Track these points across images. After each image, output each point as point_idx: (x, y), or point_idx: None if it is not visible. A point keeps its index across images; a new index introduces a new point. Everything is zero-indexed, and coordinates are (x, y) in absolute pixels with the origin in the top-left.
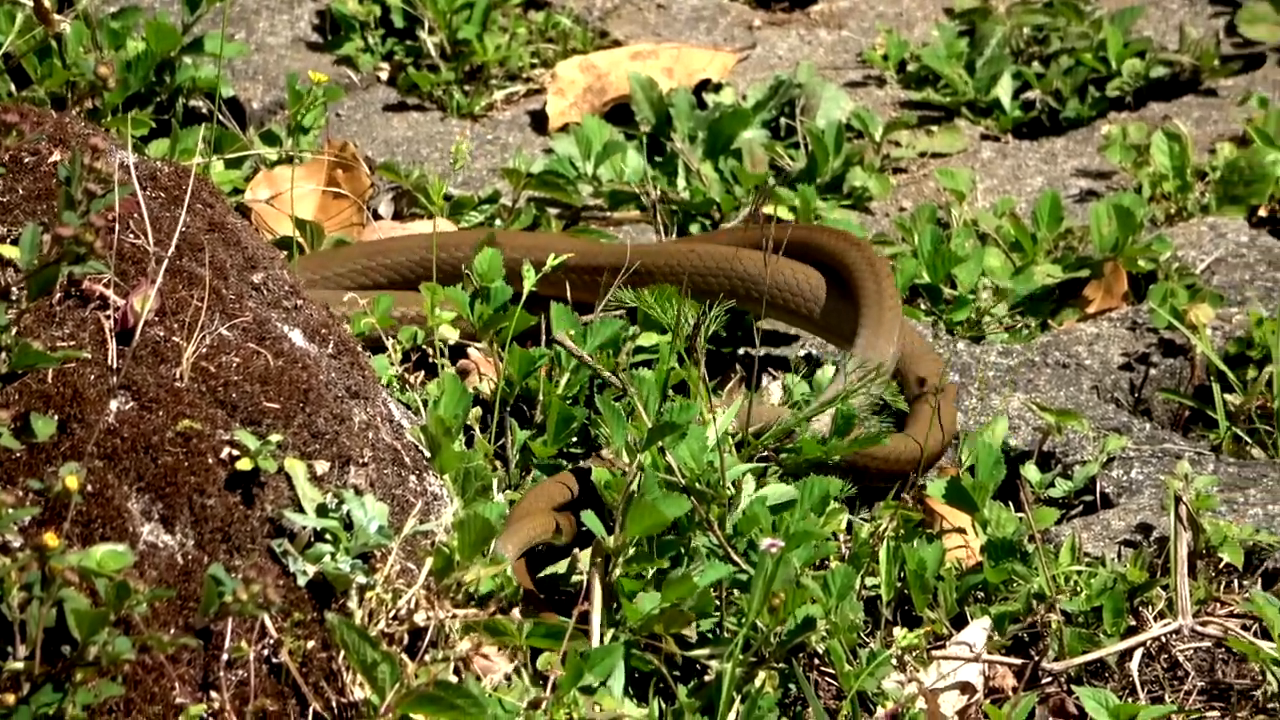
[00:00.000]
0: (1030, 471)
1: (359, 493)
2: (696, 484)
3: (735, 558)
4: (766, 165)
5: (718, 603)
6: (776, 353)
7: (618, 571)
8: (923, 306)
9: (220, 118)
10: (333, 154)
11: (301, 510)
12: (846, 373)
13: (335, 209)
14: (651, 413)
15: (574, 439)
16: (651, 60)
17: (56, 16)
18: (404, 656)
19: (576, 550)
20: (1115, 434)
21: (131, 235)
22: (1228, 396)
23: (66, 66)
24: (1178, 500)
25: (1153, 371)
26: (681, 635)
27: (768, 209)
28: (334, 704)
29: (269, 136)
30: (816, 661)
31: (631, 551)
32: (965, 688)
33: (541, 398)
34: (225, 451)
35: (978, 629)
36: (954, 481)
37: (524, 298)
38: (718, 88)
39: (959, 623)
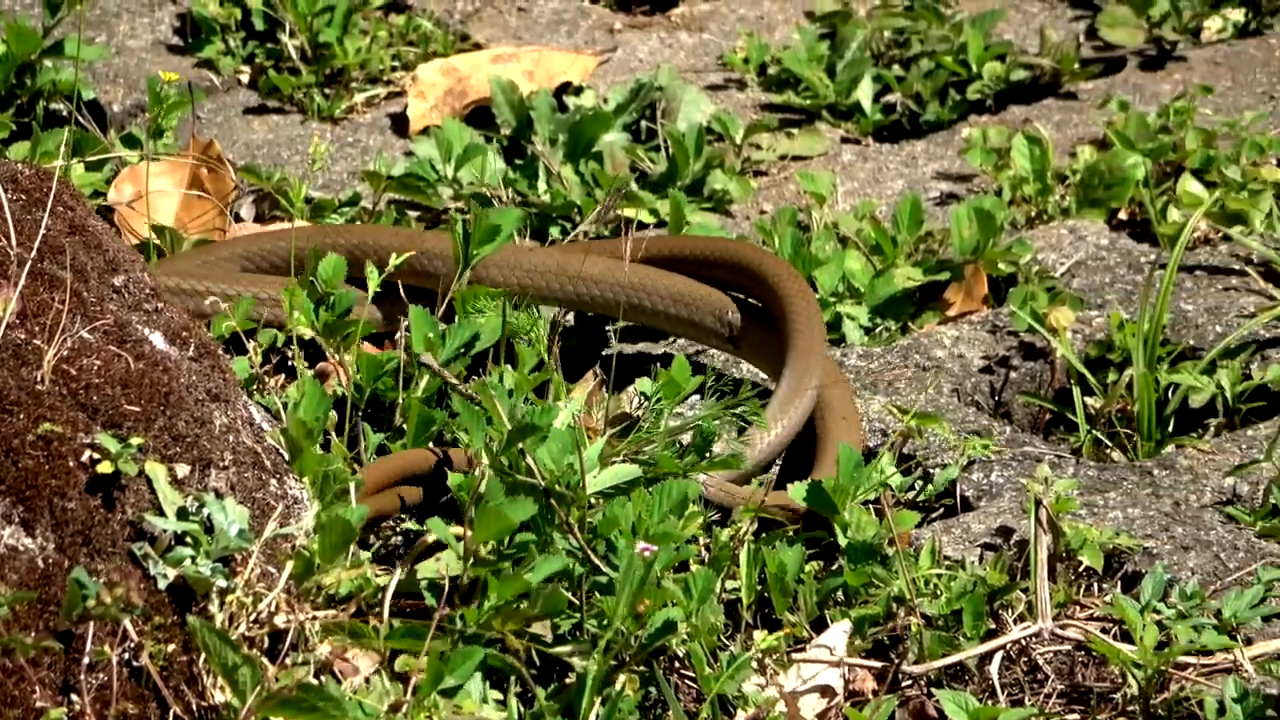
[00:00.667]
0: (891, 475)
1: (220, 496)
2: (556, 486)
3: (595, 560)
4: (627, 168)
5: (575, 602)
6: (638, 349)
7: (469, 574)
8: None
9: (81, 120)
10: (197, 154)
11: (162, 513)
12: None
13: (198, 210)
14: (509, 415)
15: (433, 441)
16: (512, 63)
17: None
18: (265, 660)
19: (440, 556)
20: (976, 437)
21: None
22: (1088, 400)
23: None
24: (1038, 503)
25: (1013, 375)
26: (538, 635)
27: (628, 211)
28: (195, 707)
29: (130, 139)
30: (677, 664)
31: (486, 553)
32: (825, 691)
33: (400, 400)
34: (86, 454)
35: (838, 632)
36: (815, 484)
37: (370, 296)
38: (578, 91)
39: (819, 626)
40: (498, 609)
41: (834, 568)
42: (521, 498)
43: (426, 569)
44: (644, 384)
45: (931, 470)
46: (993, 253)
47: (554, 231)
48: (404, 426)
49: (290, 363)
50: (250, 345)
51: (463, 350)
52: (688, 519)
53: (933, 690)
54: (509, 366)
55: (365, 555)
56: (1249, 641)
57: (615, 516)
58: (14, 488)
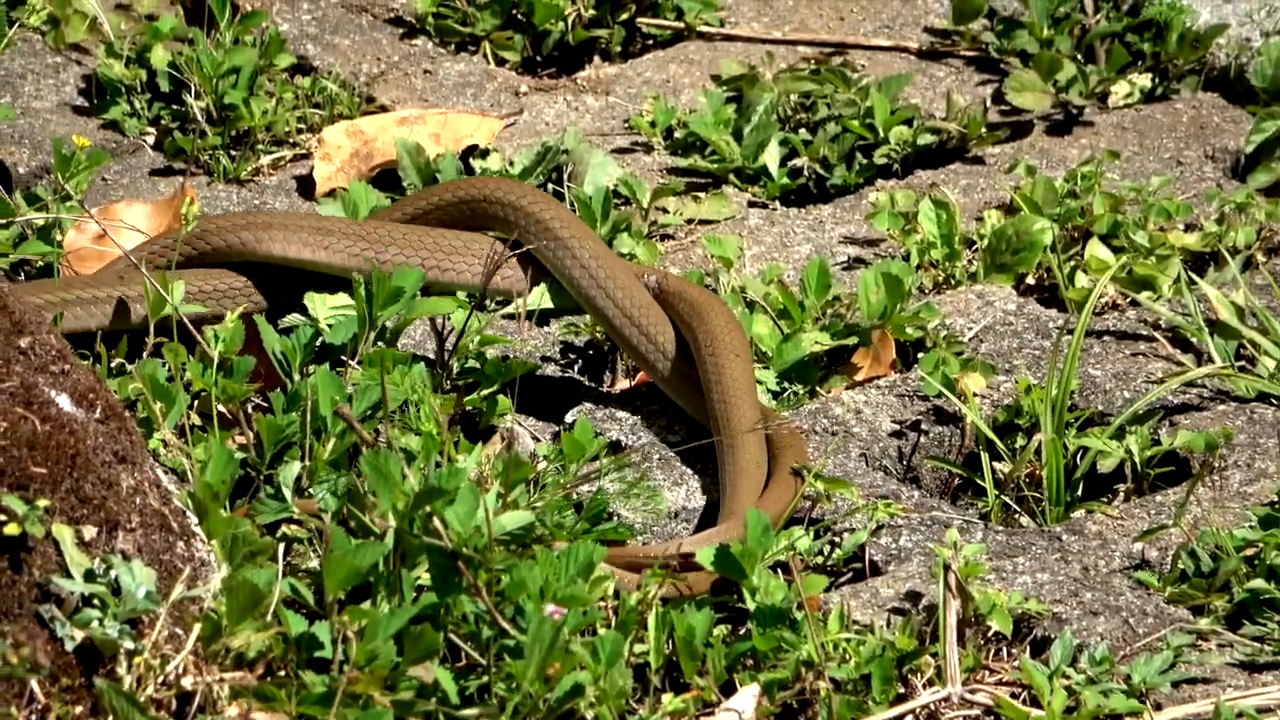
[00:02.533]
0: (799, 538)
1: (127, 558)
2: (463, 548)
3: (502, 623)
4: None
5: (483, 664)
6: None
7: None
8: None
9: None
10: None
11: (69, 575)
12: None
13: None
14: (417, 476)
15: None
16: (418, 126)
17: None
18: None
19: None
20: (884, 501)
21: None
22: (996, 464)
23: None
24: (946, 568)
25: (922, 439)
26: (445, 695)
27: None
28: None
29: (34, 199)
30: None
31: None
32: None
33: (307, 462)
34: None
35: (747, 696)
36: (723, 548)
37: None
38: (485, 153)
39: (728, 690)
40: (359, 667)
41: (743, 631)
42: (369, 542)
43: (321, 628)
44: (543, 449)
45: (840, 534)
46: (900, 318)
47: (460, 294)
48: (310, 490)
49: (190, 423)
50: (156, 407)
51: (370, 412)
52: (594, 582)
53: None
54: (410, 432)
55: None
56: (1159, 707)
57: (522, 579)
58: None
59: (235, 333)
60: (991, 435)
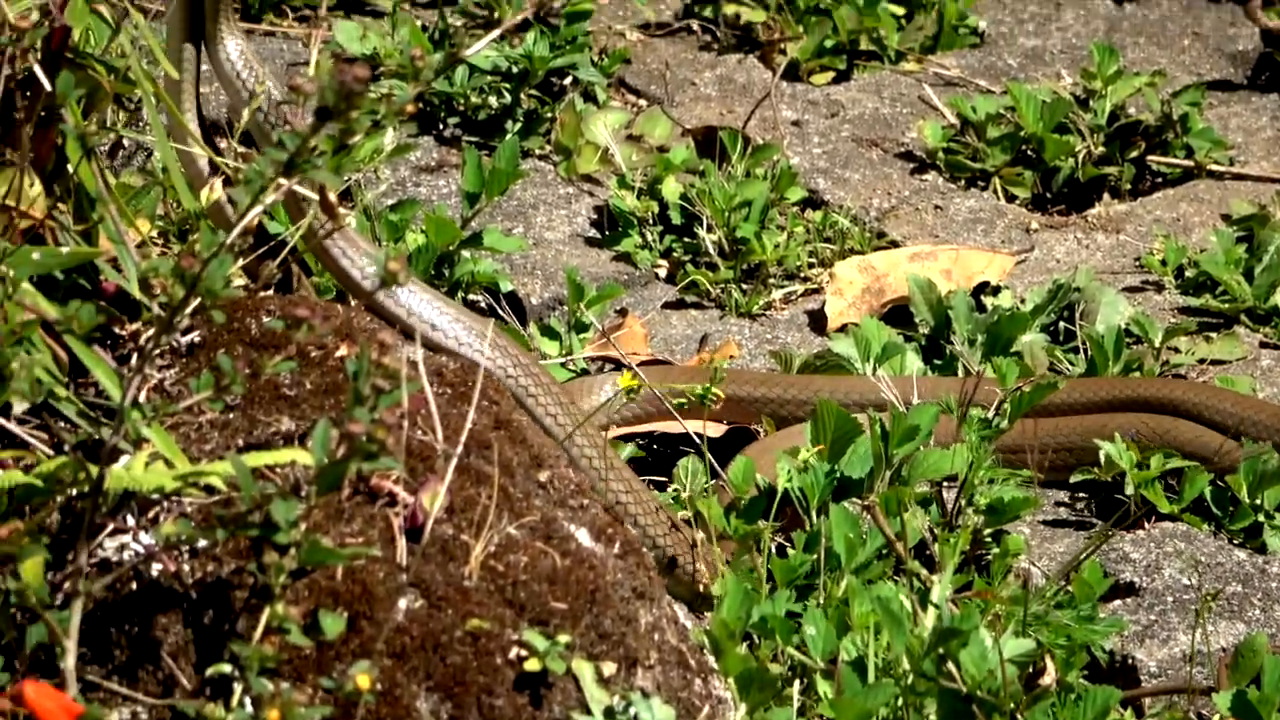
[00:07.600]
0: None
1: (646, 695)
2: (978, 691)
3: None
4: (1046, 369)
5: None
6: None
7: None
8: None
9: (500, 312)
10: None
11: (589, 712)
12: None
13: None
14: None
15: None
16: (930, 262)
17: (340, 210)
18: None
19: None
20: None
21: (419, 432)
22: None
23: None
24: None
25: None
26: None
27: None
28: None
29: (549, 331)
30: None
31: None
32: None
33: (822, 600)
34: (514, 651)
35: None
36: (1239, 695)
37: (778, 499)
38: (996, 290)
39: None
40: None
41: None
42: (880, 684)
43: None
44: (1049, 589)
45: None
46: None
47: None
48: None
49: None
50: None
51: (883, 552)
52: None
53: None
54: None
55: None
56: None
57: None
58: (442, 684)
59: (747, 470)
60: None
